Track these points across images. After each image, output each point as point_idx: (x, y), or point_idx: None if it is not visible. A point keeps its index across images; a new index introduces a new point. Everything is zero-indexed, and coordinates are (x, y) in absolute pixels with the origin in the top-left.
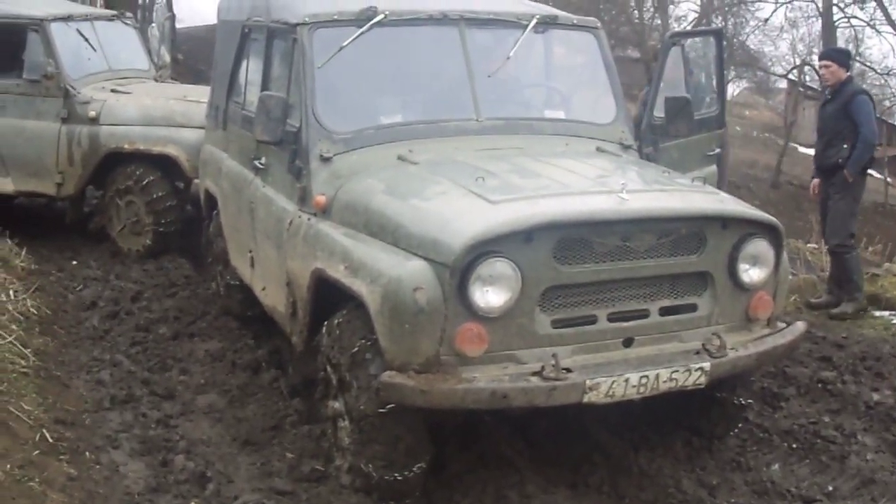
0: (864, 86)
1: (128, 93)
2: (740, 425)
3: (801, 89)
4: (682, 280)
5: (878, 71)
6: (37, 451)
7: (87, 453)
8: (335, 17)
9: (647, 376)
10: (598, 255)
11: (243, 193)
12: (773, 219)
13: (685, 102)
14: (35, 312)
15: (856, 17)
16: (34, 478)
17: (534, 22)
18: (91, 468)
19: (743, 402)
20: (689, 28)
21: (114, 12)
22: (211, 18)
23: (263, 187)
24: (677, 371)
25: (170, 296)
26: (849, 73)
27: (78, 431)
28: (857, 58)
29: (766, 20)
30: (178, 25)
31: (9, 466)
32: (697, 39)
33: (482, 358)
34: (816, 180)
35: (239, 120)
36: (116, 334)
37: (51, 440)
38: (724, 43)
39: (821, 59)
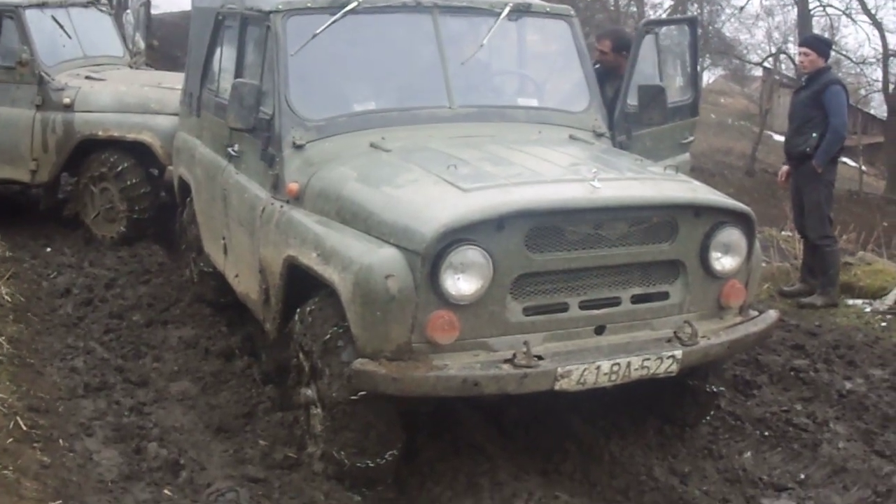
0: (840, 74)
1: (102, 79)
2: (712, 413)
3: (777, 77)
4: (653, 268)
5: (854, 60)
6: (10, 439)
7: (61, 441)
8: (308, 4)
9: (618, 364)
10: (570, 242)
11: (216, 180)
12: (745, 207)
13: (659, 91)
14: (9, 300)
15: (831, 6)
16: (8, 466)
17: (507, 10)
18: (64, 456)
19: (715, 389)
20: (664, 16)
21: None
22: (186, 5)
23: (236, 174)
24: (649, 359)
25: (143, 283)
26: (827, 63)
27: (51, 419)
28: (833, 47)
29: (742, 8)
30: (153, 12)
31: None
32: (672, 27)
33: (454, 345)
34: (786, 168)
35: (212, 107)
36: (90, 321)
37: (24, 428)
38: (699, 31)
39: (800, 45)
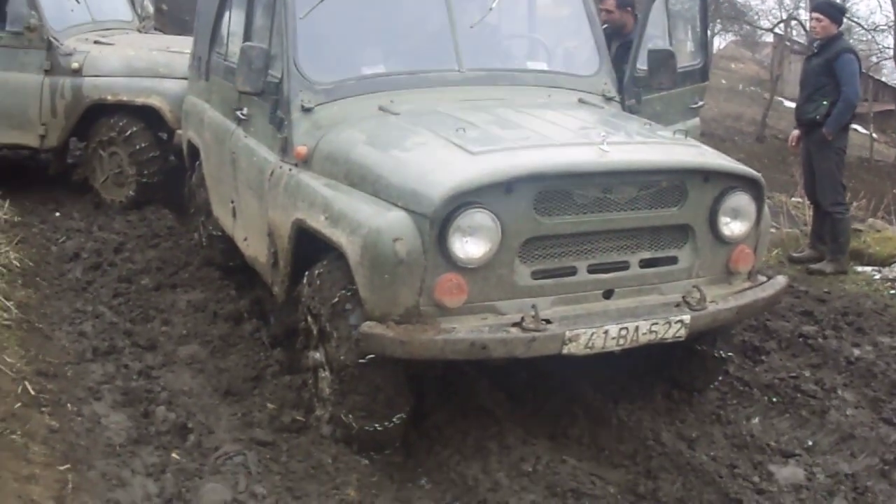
0: (851, 41)
1: (111, 44)
2: (720, 378)
3: (788, 43)
4: (662, 232)
5: (865, 27)
6: (19, 404)
7: (69, 405)
8: None
9: (626, 328)
10: (579, 206)
11: (225, 144)
12: (754, 172)
13: (668, 55)
14: (18, 265)
15: None
16: (16, 430)
17: None
18: (73, 420)
19: (723, 355)
20: None
21: None
22: None
23: (245, 138)
24: (657, 323)
25: (152, 247)
26: (839, 30)
27: (60, 383)
28: (845, 13)
29: None
30: None
31: None
32: None
33: (462, 309)
34: (796, 132)
35: (221, 71)
36: (99, 286)
37: (33, 392)
38: None
39: (813, 11)
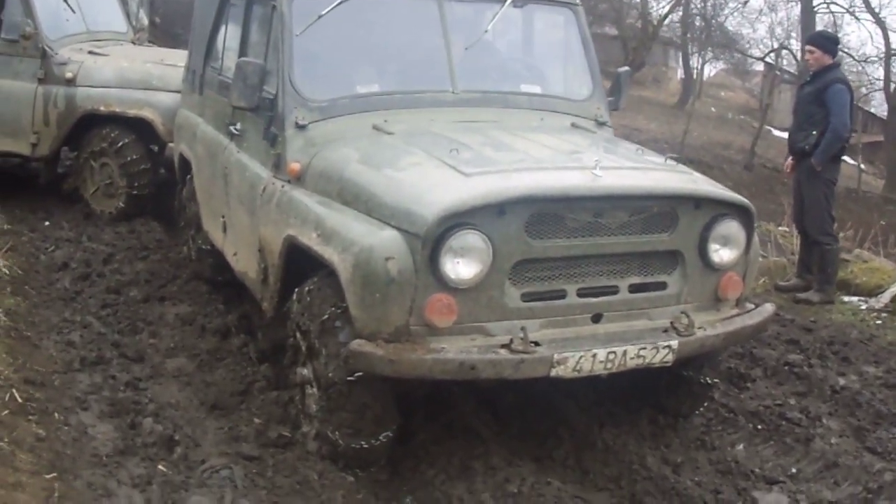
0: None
1: (105, 55)
2: (706, 404)
3: (778, 73)
4: (652, 258)
5: (856, 58)
6: (6, 412)
7: (56, 414)
8: None
9: (614, 352)
10: (570, 230)
11: (218, 158)
12: (745, 200)
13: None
14: (6, 273)
15: (835, 3)
16: (3, 438)
17: None
18: (60, 429)
19: (709, 381)
20: (667, 8)
21: None
22: None
23: (238, 153)
24: (645, 348)
25: (141, 259)
26: (834, 60)
27: (47, 392)
28: (839, 44)
29: (746, 2)
30: None
31: None
32: None
33: (451, 329)
34: (791, 160)
35: (215, 85)
36: (87, 296)
37: (20, 400)
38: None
39: (806, 43)
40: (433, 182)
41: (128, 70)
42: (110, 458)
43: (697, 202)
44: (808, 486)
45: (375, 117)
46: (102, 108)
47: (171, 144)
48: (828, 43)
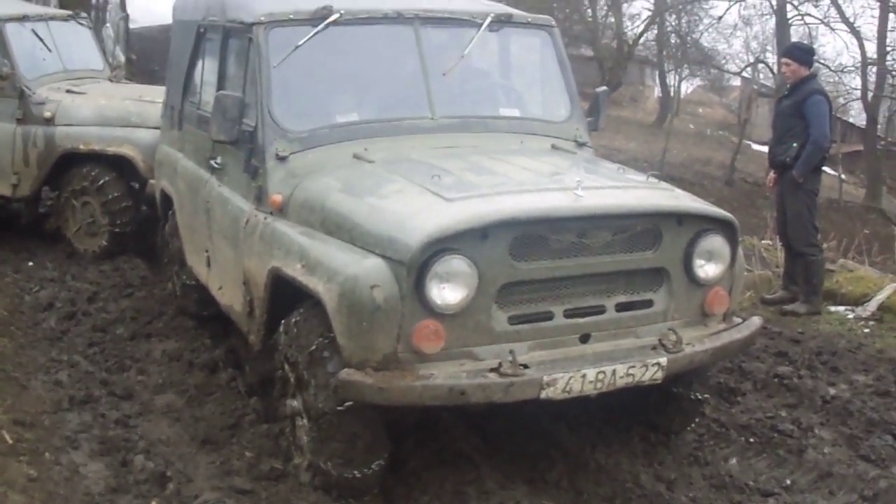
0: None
1: (83, 93)
2: (697, 420)
3: (755, 87)
4: (637, 276)
5: (832, 68)
6: None
7: (47, 454)
8: (290, 16)
9: (603, 372)
10: (554, 251)
11: (199, 193)
12: (728, 214)
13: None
14: None
15: (810, 15)
16: None
17: (488, 20)
18: (51, 469)
19: (700, 396)
20: (642, 27)
21: (69, 12)
22: (163, 18)
23: (219, 187)
24: (634, 366)
25: (126, 296)
26: (811, 71)
27: (37, 432)
28: (814, 54)
29: (720, 18)
30: (131, 26)
31: None
32: None
33: (439, 355)
34: (773, 174)
35: (195, 120)
36: (74, 335)
37: (10, 441)
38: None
39: (781, 56)
40: (416, 208)
41: (106, 108)
42: (103, 496)
43: (680, 218)
44: (804, 496)
45: (356, 146)
46: (82, 147)
47: (151, 181)
48: (803, 54)
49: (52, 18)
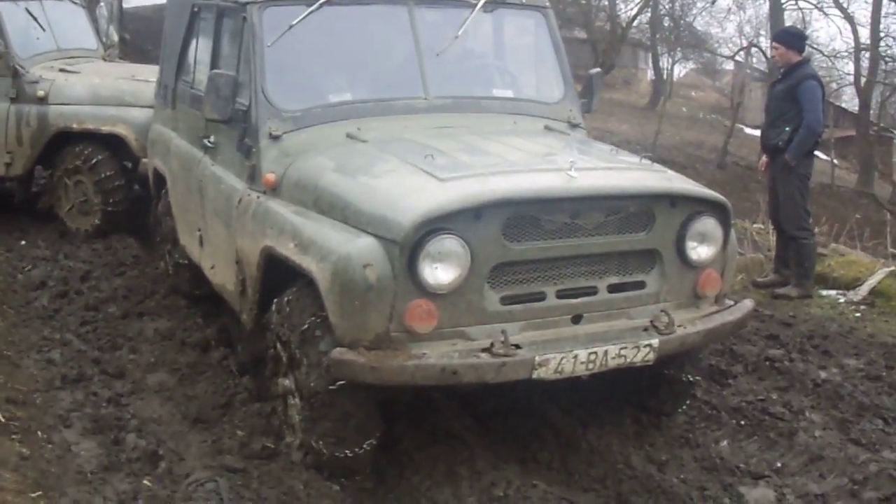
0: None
1: (76, 72)
2: (688, 402)
3: (748, 71)
4: (630, 257)
5: (826, 53)
6: None
7: (39, 432)
8: None
9: (595, 353)
10: (547, 232)
11: (192, 172)
12: (721, 197)
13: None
14: None
15: (803, 0)
16: None
17: (483, 1)
18: (43, 447)
19: (691, 378)
20: (635, 10)
21: None
22: None
23: (212, 166)
24: (626, 347)
25: (119, 275)
26: (802, 56)
27: (29, 411)
28: (806, 39)
29: (714, 2)
30: (124, 5)
31: None
32: None
33: (432, 334)
34: (765, 158)
35: (188, 99)
36: (66, 314)
37: (2, 420)
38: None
39: (772, 40)
40: (409, 188)
41: (100, 87)
42: (95, 474)
43: (673, 200)
44: (794, 479)
45: (349, 126)
46: (75, 126)
47: (144, 160)
48: (793, 39)
49: None
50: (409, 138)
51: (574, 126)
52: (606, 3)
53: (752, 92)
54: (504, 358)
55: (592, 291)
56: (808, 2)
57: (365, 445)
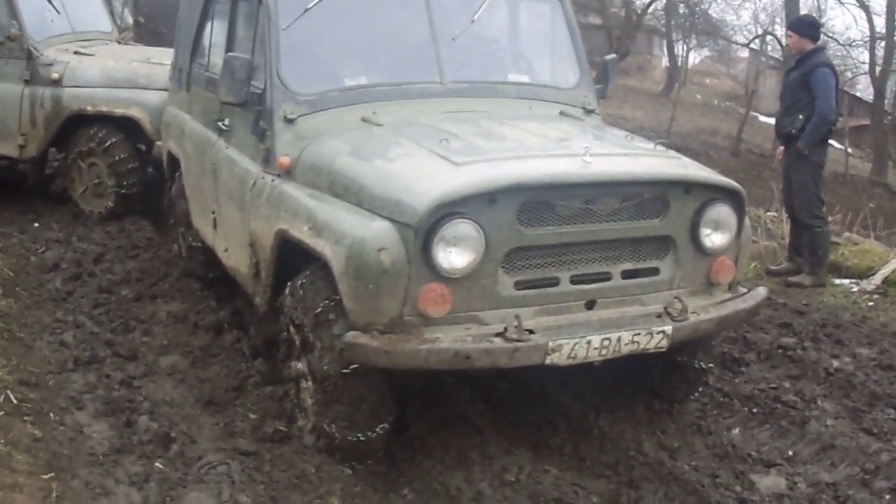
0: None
1: (91, 55)
2: (701, 389)
3: (763, 59)
4: (644, 244)
5: (841, 42)
6: (1, 413)
7: (52, 414)
8: None
9: (608, 339)
10: (562, 217)
11: (206, 155)
12: (735, 184)
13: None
14: None
15: None
16: (0, 439)
17: None
18: (55, 429)
19: (704, 366)
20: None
21: None
22: None
23: (227, 148)
24: (639, 334)
25: (132, 258)
26: (817, 44)
27: (42, 393)
28: (821, 28)
29: None
30: None
31: None
32: None
33: (445, 319)
34: (782, 147)
35: (203, 82)
36: (79, 296)
37: (15, 401)
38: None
39: (787, 28)
40: (424, 172)
41: (114, 69)
42: (107, 456)
43: (688, 187)
44: (805, 468)
45: (364, 109)
46: (89, 108)
47: (158, 143)
48: (807, 27)
49: None
50: (424, 122)
51: (589, 112)
52: None
53: (767, 80)
54: (517, 343)
55: (606, 277)
56: None
57: (377, 429)
